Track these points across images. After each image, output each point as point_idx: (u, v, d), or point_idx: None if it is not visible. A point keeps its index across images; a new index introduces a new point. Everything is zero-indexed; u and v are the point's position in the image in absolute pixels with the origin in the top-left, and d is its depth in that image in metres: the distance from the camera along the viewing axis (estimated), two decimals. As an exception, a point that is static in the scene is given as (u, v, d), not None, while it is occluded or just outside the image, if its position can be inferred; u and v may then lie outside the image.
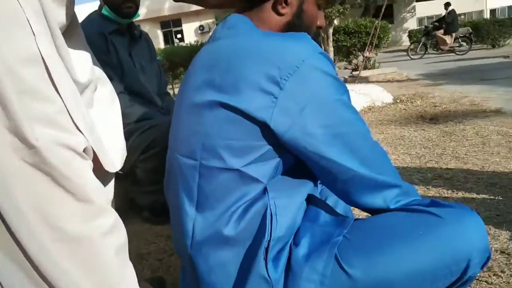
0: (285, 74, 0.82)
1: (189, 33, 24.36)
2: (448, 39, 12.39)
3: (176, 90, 10.71)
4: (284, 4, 0.92)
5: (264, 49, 0.85)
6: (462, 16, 28.94)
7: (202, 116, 0.88)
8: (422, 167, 2.47)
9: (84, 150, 0.79)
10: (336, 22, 8.40)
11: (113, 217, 0.80)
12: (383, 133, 3.58)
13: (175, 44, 21.75)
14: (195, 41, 11.60)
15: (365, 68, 8.15)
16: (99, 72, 1.02)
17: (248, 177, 0.89)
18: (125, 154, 1.03)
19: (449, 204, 0.91)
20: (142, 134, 1.73)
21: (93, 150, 0.83)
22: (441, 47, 12.51)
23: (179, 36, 24.87)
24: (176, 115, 1.00)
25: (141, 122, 1.79)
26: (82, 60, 0.93)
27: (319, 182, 1.04)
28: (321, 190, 1.17)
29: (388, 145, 3.13)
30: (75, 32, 0.94)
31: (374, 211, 0.94)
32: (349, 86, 5.28)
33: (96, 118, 0.92)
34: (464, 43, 12.77)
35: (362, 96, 4.80)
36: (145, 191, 1.84)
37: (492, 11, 30.39)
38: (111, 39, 1.82)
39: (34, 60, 0.70)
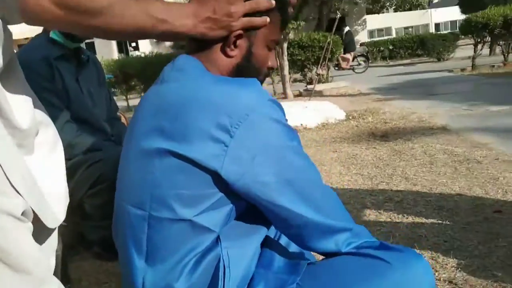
0: (235, 122, 0.81)
1: (145, 41, 23.96)
2: (349, 57, 13.02)
3: (130, 103, 10.45)
4: (232, 47, 0.90)
5: (214, 97, 0.83)
6: (410, 29, 30.46)
7: (150, 164, 0.85)
8: (374, 189, 2.53)
9: (23, 213, 0.74)
10: (291, 36, 8.54)
11: (55, 286, 0.75)
12: (336, 151, 3.65)
13: (130, 54, 21.31)
14: (150, 52, 11.39)
15: (319, 82, 8.32)
16: (41, 115, 0.96)
17: (200, 227, 0.86)
18: (68, 201, 0.98)
19: (398, 248, 0.93)
20: (89, 168, 1.65)
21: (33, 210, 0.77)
22: (342, 66, 13.07)
23: (133, 44, 24.41)
24: (124, 161, 0.96)
25: (89, 154, 1.71)
26: (23, 105, 0.87)
27: None
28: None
29: (341, 164, 3.19)
30: (13, 74, 0.88)
31: (327, 254, 0.95)
32: (304, 103, 5.37)
33: (36, 166, 0.87)
34: (362, 62, 13.58)
35: (316, 113, 4.89)
36: (94, 226, 1.76)
37: (437, 25, 32.19)
38: (56, 64, 1.74)
39: None
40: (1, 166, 0.71)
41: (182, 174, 0.83)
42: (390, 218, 2.06)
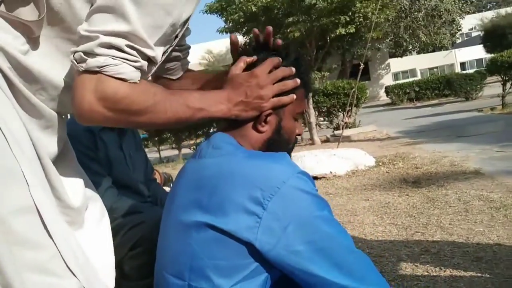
0: (267, 195, 0.86)
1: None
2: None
3: (162, 154, 10.74)
4: (263, 123, 0.97)
5: (247, 171, 0.89)
6: (435, 69, 30.48)
7: (189, 236, 0.91)
8: (409, 240, 2.49)
9: (77, 291, 0.80)
10: (315, 85, 8.72)
11: None
12: (368, 199, 3.63)
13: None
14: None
15: (346, 127, 8.36)
16: (90, 191, 1.05)
17: (237, 297, 0.90)
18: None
19: None
20: (130, 231, 1.73)
21: None
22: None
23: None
24: (164, 232, 1.03)
25: (129, 216, 1.79)
26: (75, 185, 0.96)
27: None
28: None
29: (374, 213, 3.17)
30: (67, 156, 0.98)
31: (363, 318, 0.95)
32: (332, 150, 5.39)
33: (86, 240, 0.94)
34: None
35: (345, 160, 4.91)
36: (132, 286, 1.81)
37: (462, 64, 32.11)
38: (100, 135, 1.87)
39: (28, 210, 0.73)
40: (59, 250, 0.78)
41: (218, 246, 0.88)
42: (427, 272, 2.02)
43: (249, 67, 0.97)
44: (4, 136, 0.72)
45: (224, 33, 17.04)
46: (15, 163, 0.73)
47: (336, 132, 8.69)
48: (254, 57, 0.98)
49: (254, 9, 12.67)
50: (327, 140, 8.68)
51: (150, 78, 0.91)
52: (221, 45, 22.57)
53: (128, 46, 0.74)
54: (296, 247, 0.87)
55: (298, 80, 0.97)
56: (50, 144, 0.87)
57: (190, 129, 9.98)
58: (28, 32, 0.78)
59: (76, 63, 0.74)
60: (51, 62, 0.81)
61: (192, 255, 0.90)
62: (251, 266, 0.89)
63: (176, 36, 0.93)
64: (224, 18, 15.43)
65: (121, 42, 0.73)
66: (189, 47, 1.23)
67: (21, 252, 0.72)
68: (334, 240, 0.90)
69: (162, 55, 0.87)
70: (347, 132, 8.15)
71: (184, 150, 10.41)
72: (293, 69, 0.96)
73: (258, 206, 0.85)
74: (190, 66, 1.27)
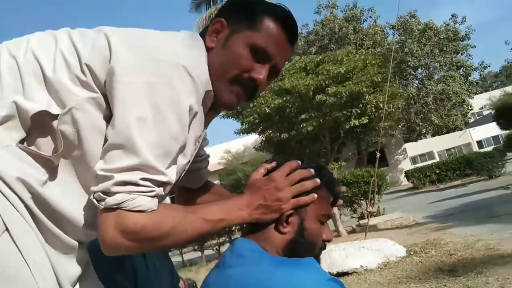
0: None
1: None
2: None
3: (185, 257, 10.52)
4: (285, 224, 0.95)
5: (273, 282, 0.85)
6: (453, 150, 30.40)
7: None
8: (455, 338, 2.30)
9: None
10: (334, 175, 8.73)
11: None
12: (404, 294, 3.43)
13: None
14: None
15: (371, 216, 8.17)
16: None
17: None
18: None
19: None
20: None
21: None
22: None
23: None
24: None
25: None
26: None
27: None
28: None
29: (413, 309, 2.97)
30: (88, 278, 0.97)
31: None
32: (360, 242, 5.22)
33: None
34: None
35: (375, 252, 4.73)
36: None
37: (479, 142, 32.03)
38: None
39: None
40: None
41: None
42: None
43: (269, 173, 0.99)
44: (29, 268, 0.75)
45: (241, 134, 17.71)
46: None
47: (362, 221, 8.48)
48: (274, 163, 1.01)
49: (267, 110, 13.27)
50: (353, 231, 8.44)
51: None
52: (239, 144, 23.23)
53: (142, 179, 0.77)
54: None
55: (318, 180, 0.96)
56: (71, 268, 0.87)
57: (213, 230, 9.84)
58: (48, 163, 0.82)
59: (96, 202, 0.78)
60: (64, 192, 0.83)
61: None
62: None
63: (188, 161, 0.97)
64: (240, 121, 16.16)
65: (135, 176, 0.77)
66: (208, 156, 1.27)
67: None
68: None
69: (178, 175, 0.90)
70: (373, 221, 7.93)
71: (207, 252, 10.18)
72: (312, 170, 0.96)
73: None
74: (210, 166, 1.30)
